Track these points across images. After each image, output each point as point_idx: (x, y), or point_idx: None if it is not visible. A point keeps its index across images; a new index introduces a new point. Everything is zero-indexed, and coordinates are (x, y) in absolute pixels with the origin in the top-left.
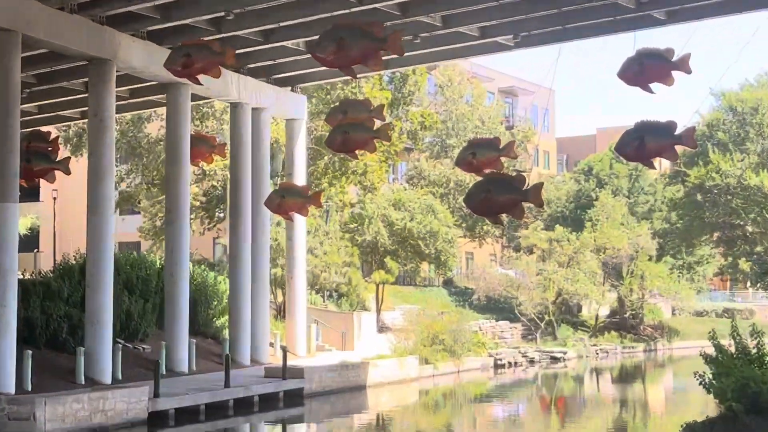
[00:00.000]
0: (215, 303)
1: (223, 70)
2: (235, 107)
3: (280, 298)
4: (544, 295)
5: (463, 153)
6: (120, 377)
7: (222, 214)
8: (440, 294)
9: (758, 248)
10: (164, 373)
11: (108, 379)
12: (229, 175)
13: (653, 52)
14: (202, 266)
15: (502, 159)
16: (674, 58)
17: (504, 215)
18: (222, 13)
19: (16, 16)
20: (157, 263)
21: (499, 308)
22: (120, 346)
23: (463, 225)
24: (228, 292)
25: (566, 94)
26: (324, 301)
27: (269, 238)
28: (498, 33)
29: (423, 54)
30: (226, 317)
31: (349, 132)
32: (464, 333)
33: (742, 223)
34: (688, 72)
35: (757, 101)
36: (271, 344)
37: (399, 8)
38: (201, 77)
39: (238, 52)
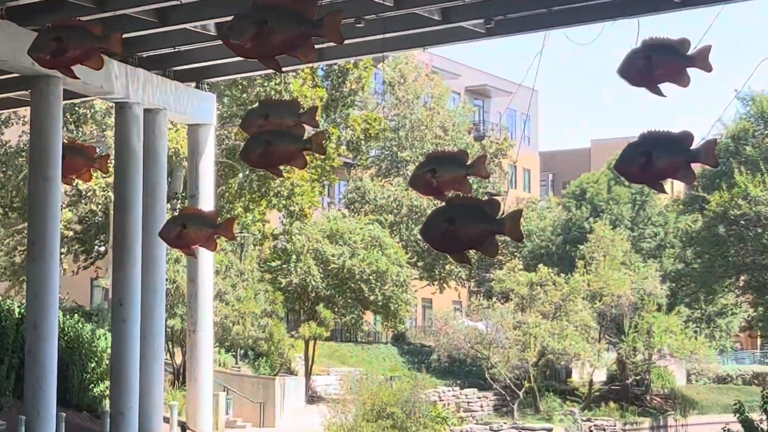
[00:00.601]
0: (93, 365)
1: (106, 60)
2: (121, 108)
3: (178, 359)
4: (523, 355)
5: (419, 170)
6: None
7: (103, 248)
8: (389, 353)
9: None
10: None
11: None
12: (112, 197)
13: (663, 44)
14: (76, 316)
15: (470, 178)
16: (690, 52)
17: (472, 251)
18: None
19: None
20: (16, 312)
21: (465, 372)
22: None
23: (420, 263)
24: (110, 350)
25: (553, 97)
26: (237, 363)
27: (165, 279)
28: (465, 16)
29: (368, 42)
30: (107, 383)
31: (272, 142)
32: (420, 404)
33: None
34: (708, 70)
35: None
36: (166, 419)
37: None
38: (77, 68)
39: (125, 36)
